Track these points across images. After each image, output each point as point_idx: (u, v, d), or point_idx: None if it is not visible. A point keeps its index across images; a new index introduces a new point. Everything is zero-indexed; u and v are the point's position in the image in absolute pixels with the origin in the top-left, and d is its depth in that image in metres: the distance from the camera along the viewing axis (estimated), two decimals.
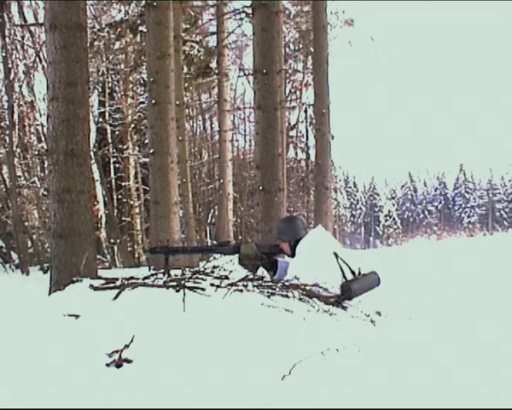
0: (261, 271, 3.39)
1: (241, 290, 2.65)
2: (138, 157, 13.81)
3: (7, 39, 8.78)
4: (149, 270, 6.19)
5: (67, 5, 4.01)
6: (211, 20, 13.27)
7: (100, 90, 13.53)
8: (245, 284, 2.77)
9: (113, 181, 13.71)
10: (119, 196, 14.05)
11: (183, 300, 2.21)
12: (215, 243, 12.09)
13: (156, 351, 1.85)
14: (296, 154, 19.34)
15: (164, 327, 2.03)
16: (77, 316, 2.26)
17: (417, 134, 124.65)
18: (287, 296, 2.76)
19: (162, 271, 3.10)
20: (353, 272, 3.10)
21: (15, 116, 9.51)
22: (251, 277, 2.98)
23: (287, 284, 2.89)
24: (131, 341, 1.86)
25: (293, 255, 3.37)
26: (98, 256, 9.40)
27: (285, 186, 7.18)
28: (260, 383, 1.65)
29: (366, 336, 2.47)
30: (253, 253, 3.40)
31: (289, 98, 17.34)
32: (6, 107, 9.08)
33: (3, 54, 8.34)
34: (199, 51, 11.90)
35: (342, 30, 15.09)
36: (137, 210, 13.95)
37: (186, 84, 11.16)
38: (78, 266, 3.66)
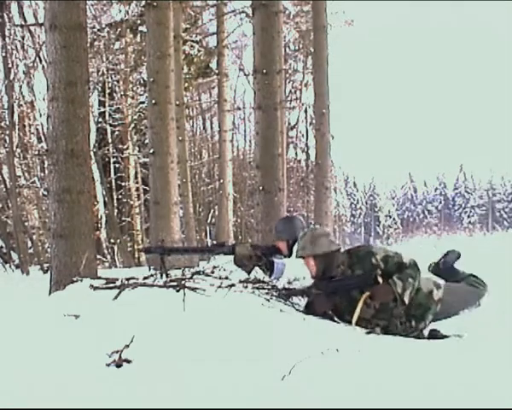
0: (255, 271, 3.38)
1: (241, 291, 2.65)
2: (138, 157, 13.80)
3: (7, 39, 8.78)
4: (149, 270, 6.19)
5: (67, 5, 4.00)
6: (211, 20, 13.27)
7: (100, 90, 13.52)
8: (245, 285, 2.77)
9: (113, 181, 13.70)
10: (119, 196, 14.04)
11: (183, 300, 2.21)
12: (214, 243, 12.10)
13: (156, 351, 1.85)
14: (296, 154, 19.34)
15: (164, 327, 2.03)
16: (77, 316, 2.26)
17: (417, 134, 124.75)
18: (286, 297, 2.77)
19: (160, 271, 3.07)
20: None
21: (15, 116, 9.50)
22: (251, 278, 2.99)
23: (287, 286, 2.90)
24: (131, 341, 1.86)
25: (290, 254, 3.37)
26: (98, 256, 9.38)
27: (285, 186, 7.17)
28: (260, 383, 1.65)
29: (366, 335, 2.47)
30: (248, 253, 3.40)
31: (289, 98, 17.33)
32: (6, 107, 9.08)
33: (3, 54, 8.34)
34: (199, 51, 11.89)
35: (342, 30, 15.10)
36: (137, 210, 13.94)
37: (186, 84, 11.15)
38: (78, 266, 3.65)
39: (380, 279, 2.67)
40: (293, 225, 3.48)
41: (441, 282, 2.94)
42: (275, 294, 2.73)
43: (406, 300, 2.62)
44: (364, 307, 2.62)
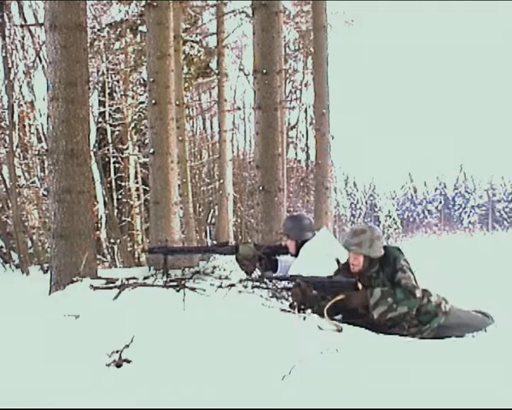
0: (256, 271, 3.38)
1: (241, 291, 2.65)
2: (138, 157, 13.80)
3: (7, 39, 8.78)
4: (149, 270, 6.19)
5: (67, 5, 4.00)
6: (211, 20, 13.26)
7: (100, 90, 13.51)
8: (245, 284, 2.78)
9: (113, 181, 13.70)
10: (119, 196, 14.03)
11: (183, 300, 2.22)
12: (215, 243, 12.11)
13: (156, 351, 1.85)
14: (296, 154, 19.35)
15: (164, 327, 2.03)
16: (77, 316, 2.26)
17: (417, 134, 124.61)
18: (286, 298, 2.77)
19: (161, 271, 3.09)
20: None
21: (15, 116, 9.49)
22: (251, 277, 2.99)
23: (287, 286, 2.90)
24: (131, 341, 1.86)
25: (296, 255, 3.36)
26: (98, 256, 9.38)
27: (285, 186, 7.16)
28: (260, 383, 1.65)
29: (366, 335, 2.47)
30: (252, 253, 3.41)
31: (289, 98, 17.32)
32: (6, 107, 9.07)
33: (3, 54, 8.33)
34: (199, 51, 11.89)
35: (342, 30, 15.09)
36: (137, 210, 13.94)
37: (186, 84, 11.14)
38: (78, 266, 3.65)
39: (359, 286, 2.68)
40: (301, 225, 3.46)
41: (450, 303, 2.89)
42: (271, 293, 2.74)
43: (375, 315, 2.59)
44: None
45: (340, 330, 2.33)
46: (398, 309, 2.58)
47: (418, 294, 2.61)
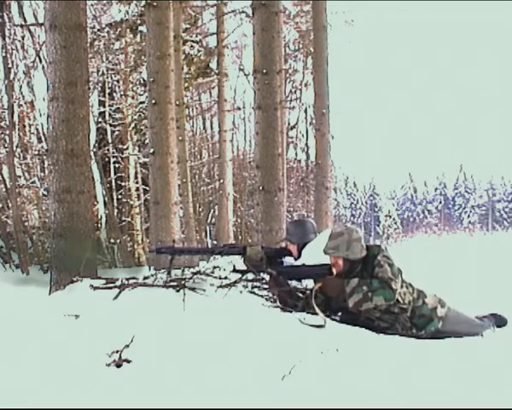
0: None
1: (241, 291, 2.66)
2: (138, 157, 13.80)
3: (7, 39, 8.78)
4: (149, 270, 6.19)
5: (67, 5, 4.00)
6: (211, 20, 13.26)
7: (100, 90, 13.51)
8: (245, 284, 2.78)
9: (113, 181, 13.69)
10: (119, 196, 14.02)
11: (183, 300, 2.22)
12: (215, 242, 12.10)
13: (156, 351, 1.85)
14: (296, 154, 19.34)
15: (164, 327, 2.03)
16: (77, 316, 2.26)
17: (417, 134, 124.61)
18: None
19: (163, 270, 3.10)
20: None
21: (15, 116, 9.48)
22: (251, 278, 2.99)
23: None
24: (131, 341, 1.86)
25: (299, 257, 3.37)
26: (98, 256, 9.37)
27: (285, 186, 7.17)
28: (260, 383, 1.65)
29: (366, 335, 2.47)
30: (260, 256, 3.42)
31: (289, 98, 17.32)
32: (6, 107, 9.06)
33: (3, 54, 8.33)
34: (199, 51, 11.89)
35: (342, 30, 15.08)
36: (137, 210, 13.93)
37: (186, 84, 11.15)
38: (78, 266, 3.66)
39: (334, 271, 2.70)
40: (304, 229, 3.45)
41: (447, 305, 2.86)
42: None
43: (350, 303, 2.57)
44: (371, 309, 2.60)
45: (321, 326, 2.31)
46: (374, 299, 2.56)
47: (394, 286, 2.58)
